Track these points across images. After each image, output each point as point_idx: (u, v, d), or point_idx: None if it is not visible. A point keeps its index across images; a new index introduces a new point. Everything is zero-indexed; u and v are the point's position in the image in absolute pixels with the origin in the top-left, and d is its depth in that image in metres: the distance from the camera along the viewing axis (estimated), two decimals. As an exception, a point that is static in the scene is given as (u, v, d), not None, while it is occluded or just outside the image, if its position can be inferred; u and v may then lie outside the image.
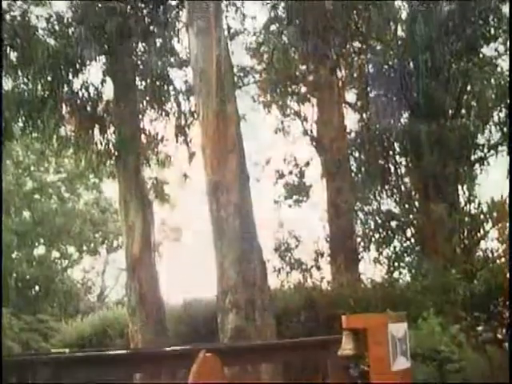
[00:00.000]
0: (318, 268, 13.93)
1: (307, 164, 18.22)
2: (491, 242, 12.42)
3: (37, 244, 27.80)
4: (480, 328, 12.11)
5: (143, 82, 15.87)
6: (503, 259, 11.76)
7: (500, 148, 13.28)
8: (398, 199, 13.40)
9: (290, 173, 18.09)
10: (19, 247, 25.76)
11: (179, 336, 14.24)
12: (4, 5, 13.63)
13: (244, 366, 9.93)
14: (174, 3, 15.49)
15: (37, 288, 27.08)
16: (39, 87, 14.16)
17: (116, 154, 14.93)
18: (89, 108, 14.98)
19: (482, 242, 12.65)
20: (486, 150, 13.39)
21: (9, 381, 10.02)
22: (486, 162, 13.39)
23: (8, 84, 14.02)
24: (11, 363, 6.75)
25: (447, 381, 4.52)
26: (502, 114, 13.25)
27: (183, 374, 9.71)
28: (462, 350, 4.12)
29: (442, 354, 4.29)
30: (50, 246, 27.95)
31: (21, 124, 14.59)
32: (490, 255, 12.21)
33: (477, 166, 13.46)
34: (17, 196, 24.34)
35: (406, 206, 13.12)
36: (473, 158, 13.39)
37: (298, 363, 11.43)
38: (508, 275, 10.99)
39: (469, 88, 13.40)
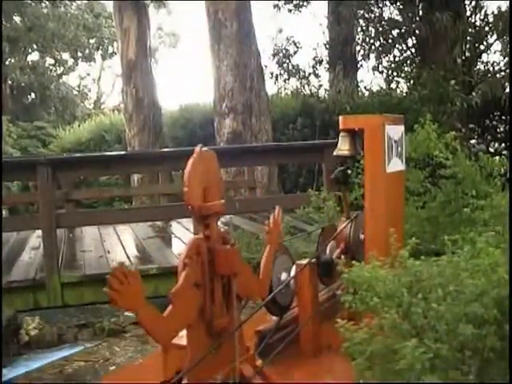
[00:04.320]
0: (316, 75, 13.72)
1: (309, -33, 17.34)
2: (493, 55, 12.17)
3: (30, 50, 27.29)
4: (473, 141, 12.27)
5: None
6: (503, 73, 11.59)
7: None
8: (401, 7, 12.89)
9: (291, -24, 17.24)
10: (12, 53, 25.29)
11: (176, 140, 14.44)
12: None
13: (240, 168, 10.18)
14: None
15: (32, 95, 27.03)
16: None
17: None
18: None
19: (484, 54, 12.40)
20: (500, -42, 12.71)
21: (8, 179, 10.21)
22: (497, -31, 12.79)
23: None
24: (11, 165, 6.84)
25: (439, 185, 4.59)
26: None
27: (179, 176, 9.94)
28: (455, 156, 4.12)
29: (435, 160, 4.30)
30: (43, 52, 27.45)
31: None
32: (491, 68, 12.02)
33: (487, -28, 12.85)
34: (5, -1, 23.39)
35: (409, 14, 12.64)
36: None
37: (294, 168, 11.70)
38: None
39: None
